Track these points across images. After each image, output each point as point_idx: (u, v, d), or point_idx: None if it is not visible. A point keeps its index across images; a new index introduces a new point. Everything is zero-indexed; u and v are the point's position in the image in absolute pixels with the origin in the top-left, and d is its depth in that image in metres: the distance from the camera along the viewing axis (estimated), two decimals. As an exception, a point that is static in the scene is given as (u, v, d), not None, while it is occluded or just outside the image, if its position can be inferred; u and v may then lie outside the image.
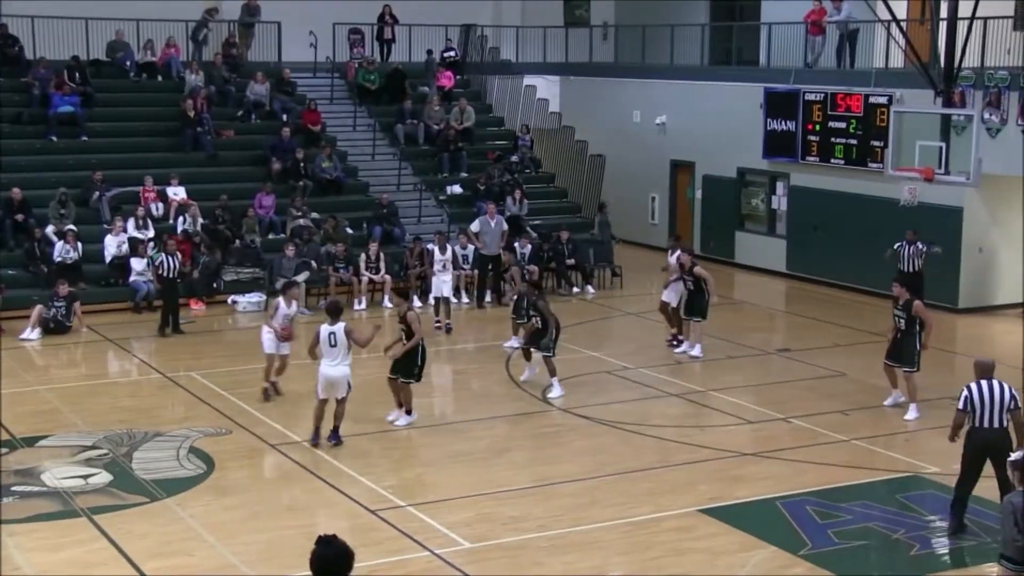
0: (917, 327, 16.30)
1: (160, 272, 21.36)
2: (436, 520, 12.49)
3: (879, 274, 22.51)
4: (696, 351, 19.63)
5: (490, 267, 24.02)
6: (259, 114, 28.19)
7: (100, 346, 20.40)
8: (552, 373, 17.18)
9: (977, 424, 11.91)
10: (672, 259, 20.30)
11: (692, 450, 14.97)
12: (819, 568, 11.45)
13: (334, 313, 14.76)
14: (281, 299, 17.00)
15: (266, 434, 15.38)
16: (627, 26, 33.04)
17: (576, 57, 32.88)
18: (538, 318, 17.24)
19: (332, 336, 14.59)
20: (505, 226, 24.47)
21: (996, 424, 11.86)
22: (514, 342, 19.62)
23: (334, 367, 14.64)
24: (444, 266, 22.39)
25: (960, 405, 11.97)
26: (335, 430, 14.87)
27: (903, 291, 16.55)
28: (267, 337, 16.78)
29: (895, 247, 21.89)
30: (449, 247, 23.26)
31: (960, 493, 12.30)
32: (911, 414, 16.38)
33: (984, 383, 11.91)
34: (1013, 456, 9.89)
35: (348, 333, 14.65)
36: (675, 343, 20.13)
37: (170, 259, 21.15)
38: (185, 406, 16.79)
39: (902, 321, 16.36)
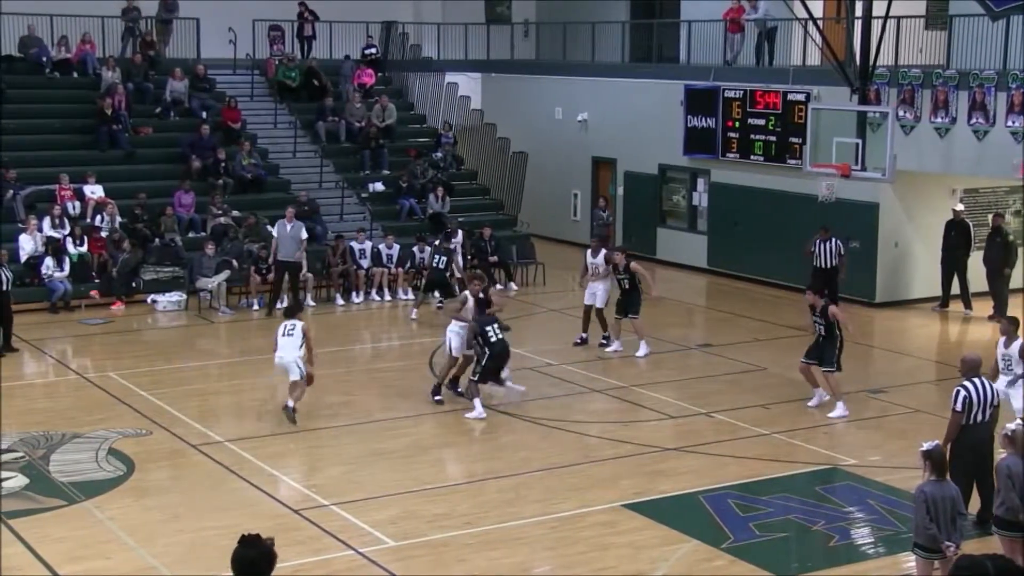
0: (837, 331, 16.29)
1: None
2: (360, 519, 12.44)
3: (798, 269, 22.77)
4: (642, 350, 19.39)
5: (286, 274, 22.42)
6: (178, 111, 27.83)
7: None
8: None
9: (971, 422, 11.65)
10: (595, 260, 20.00)
11: (615, 445, 15.06)
12: (741, 560, 11.57)
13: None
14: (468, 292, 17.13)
15: (186, 434, 15.21)
16: (548, 23, 33.10)
17: (497, 54, 32.88)
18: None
19: None
20: (304, 234, 22.56)
21: (987, 419, 11.74)
22: (414, 313, 21.96)
23: None
24: None
25: (958, 406, 11.60)
26: None
27: (817, 299, 16.49)
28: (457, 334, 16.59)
29: (813, 244, 21.93)
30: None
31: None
32: (838, 411, 16.26)
33: (977, 380, 11.73)
34: (925, 446, 9.97)
35: None
36: (603, 342, 20.05)
37: None
38: (104, 407, 16.50)
39: (821, 327, 16.32)
